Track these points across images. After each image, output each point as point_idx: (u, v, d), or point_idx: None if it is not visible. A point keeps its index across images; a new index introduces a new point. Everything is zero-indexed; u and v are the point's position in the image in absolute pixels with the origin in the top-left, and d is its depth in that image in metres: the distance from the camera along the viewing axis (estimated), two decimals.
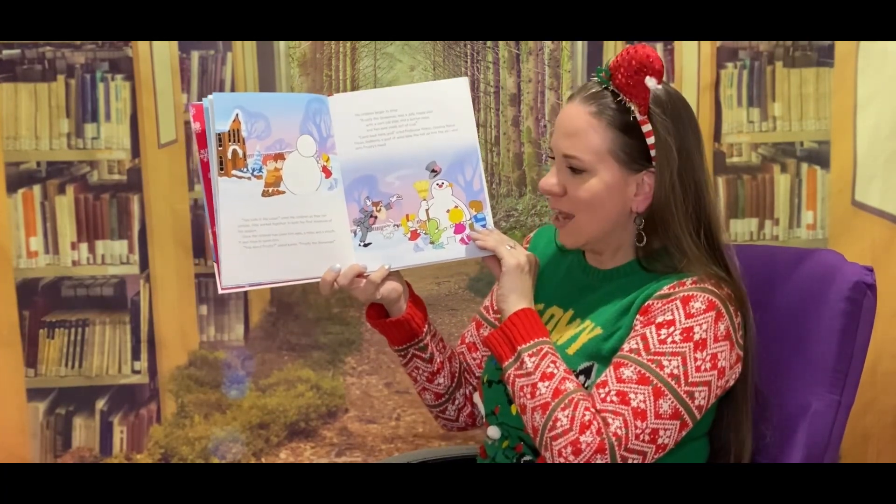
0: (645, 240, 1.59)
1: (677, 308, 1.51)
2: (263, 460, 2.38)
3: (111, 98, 2.28)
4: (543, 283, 1.68)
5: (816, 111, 2.40)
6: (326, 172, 1.60)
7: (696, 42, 2.35)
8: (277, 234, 1.56)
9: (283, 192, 1.57)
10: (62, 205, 2.29)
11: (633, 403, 1.46)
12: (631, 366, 1.48)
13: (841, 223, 2.42)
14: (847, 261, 1.69)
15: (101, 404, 2.35)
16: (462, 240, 1.62)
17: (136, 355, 2.34)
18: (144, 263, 2.32)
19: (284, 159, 1.57)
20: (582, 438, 1.44)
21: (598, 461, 1.44)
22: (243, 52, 2.29)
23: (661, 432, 1.48)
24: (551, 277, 1.70)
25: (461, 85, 1.65)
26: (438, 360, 1.72)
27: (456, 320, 2.36)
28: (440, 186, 1.62)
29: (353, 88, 2.34)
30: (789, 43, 2.38)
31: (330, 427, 2.40)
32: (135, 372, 2.35)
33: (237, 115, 1.55)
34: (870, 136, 2.39)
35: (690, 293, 1.51)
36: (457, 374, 1.77)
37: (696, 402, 1.50)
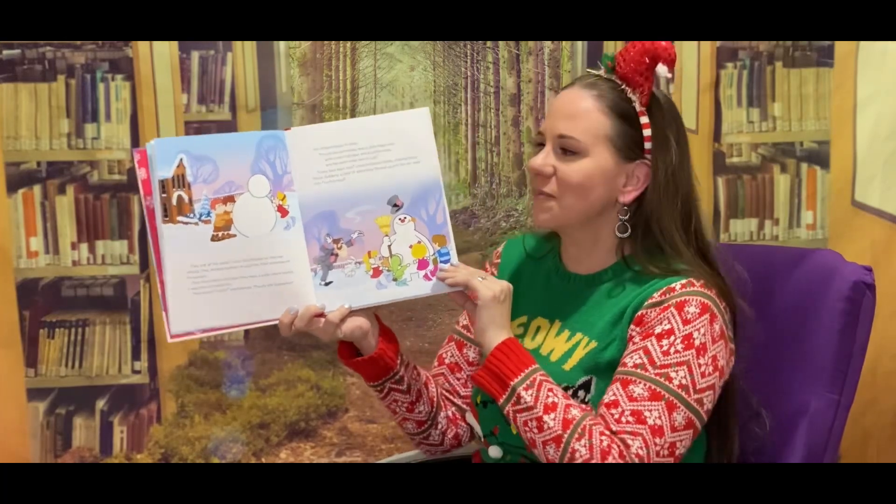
0: (629, 231, 1.59)
1: (673, 316, 1.50)
2: (263, 460, 2.38)
3: (111, 98, 2.28)
4: (524, 295, 1.66)
5: (816, 111, 2.40)
6: (282, 211, 1.56)
7: (696, 42, 2.35)
8: (229, 277, 1.53)
9: (234, 236, 1.53)
10: (62, 205, 2.29)
11: (650, 421, 1.46)
12: (640, 382, 1.47)
13: (841, 223, 2.42)
14: (846, 261, 1.69)
15: (101, 404, 2.35)
16: (426, 276, 1.58)
17: (136, 355, 2.34)
18: (144, 263, 2.32)
19: (235, 202, 1.54)
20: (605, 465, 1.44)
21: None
22: (243, 52, 2.29)
23: (678, 444, 1.48)
24: (530, 287, 1.68)
25: (422, 116, 1.60)
26: (415, 389, 1.69)
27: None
28: (402, 221, 1.58)
29: (353, 88, 2.34)
30: (789, 43, 2.38)
31: (330, 427, 2.40)
32: (135, 372, 2.35)
33: (181, 159, 1.52)
34: (870, 136, 2.39)
35: (683, 298, 1.51)
36: (435, 399, 1.74)
37: (705, 408, 1.50)
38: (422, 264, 1.58)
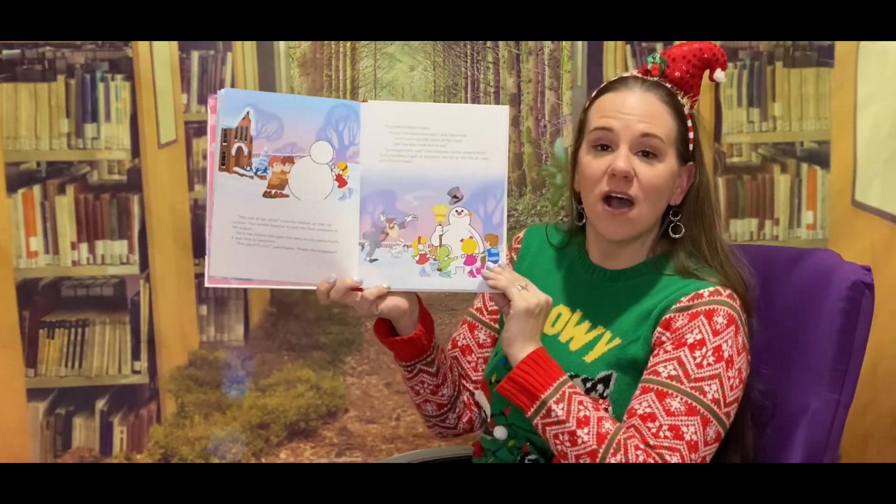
0: (682, 231, 1.60)
1: (703, 325, 1.51)
2: (263, 460, 2.38)
3: (111, 98, 2.28)
4: (545, 284, 1.66)
5: (816, 111, 2.40)
6: (341, 181, 1.57)
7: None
8: (274, 235, 1.54)
9: (287, 196, 1.54)
10: (62, 205, 2.29)
11: (687, 437, 1.47)
12: (677, 396, 1.48)
13: (841, 223, 2.42)
14: (845, 260, 1.69)
15: (101, 404, 2.35)
16: (471, 272, 1.58)
17: (136, 355, 2.34)
18: (144, 263, 2.32)
19: (293, 163, 1.55)
20: None
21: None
22: (243, 52, 2.29)
23: (708, 457, 1.50)
24: (553, 277, 1.70)
25: (500, 113, 1.60)
26: (442, 372, 1.71)
27: (456, 320, 2.35)
28: (459, 214, 1.58)
29: (353, 88, 2.34)
30: (789, 43, 2.38)
31: (330, 427, 2.40)
32: (135, 372, 2.35)
33: (248, 112, 1.53)
34: (870, 136, 2.39)
35: (711, 307, 1.52)
36: (457, 383, 1.76)
37: (731, 420, 1.53)
38: (469, 260, 1.59)
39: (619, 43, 2.33)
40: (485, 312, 1.79)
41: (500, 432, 1.64)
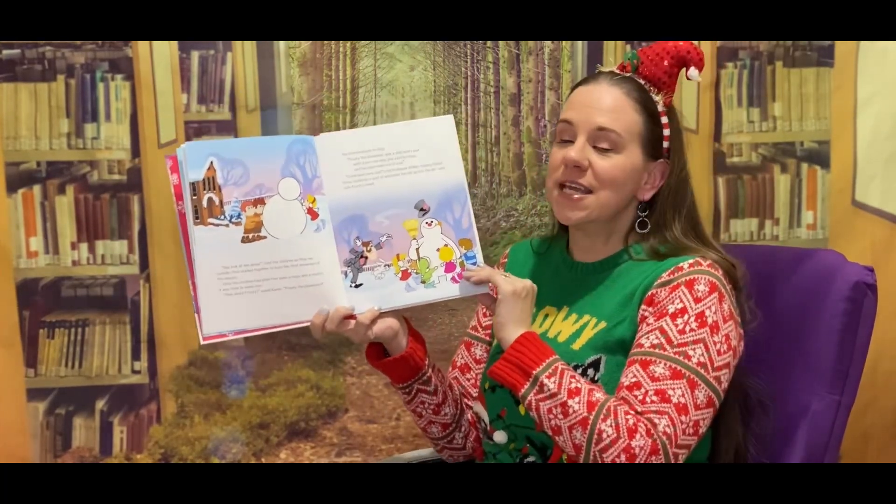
0: (648, 227, 1.62)
1: (684, 294, 1.52)
2: (263, 460, 2.38)
3: (111, 98, 2.28)
4: None
5: (816, 111, 2.40)
6: (312, 214, 1.58)
7: (696, 42, 2.34)
8: (260, 279, 1.55)
9: (265, 238, 1.55)
10: (62, 205, 2.29)
11: (674, 399, 1.46)
12: (660, 362, 1.48)
13: (841, 223, 2.42)
14: (847, 261, 1.69)
15: (101, 404, 2.35)
16: (453, 278, 1.61)
17: (136, 355, 2.34)
18: (144, 263, 2.32)
19: (265, 204, 1.55)
20: (633, 443, 1.44)
21: (653, 462, 1.44)
22: (243, 52, 2.29)
23: (701, 423, 1.49)
24: (538, 281, 1.70)
25: (446, 123, 1.63)
26: (441, 391, 1.71)
27: (456, 320, 2.36)
28: (429, 225, 1.61)
29: (353, 88, 2.34)
30: (789, 43, 2.38)
31: (330, 427, 2.40)
32: (135, 372, 2.35)
33: (212, 162, 1.54)
34: (870, 136, 2.40)
35: (691, 276, 1.53)
36: (458, 401, 1.76)
37: (723, 386, 1.52)
38: (449, 267, 1.61)
39: (619, 43, 2.33)
40: (479, 329, 1.80)
41: (499, 436, 1.65)
